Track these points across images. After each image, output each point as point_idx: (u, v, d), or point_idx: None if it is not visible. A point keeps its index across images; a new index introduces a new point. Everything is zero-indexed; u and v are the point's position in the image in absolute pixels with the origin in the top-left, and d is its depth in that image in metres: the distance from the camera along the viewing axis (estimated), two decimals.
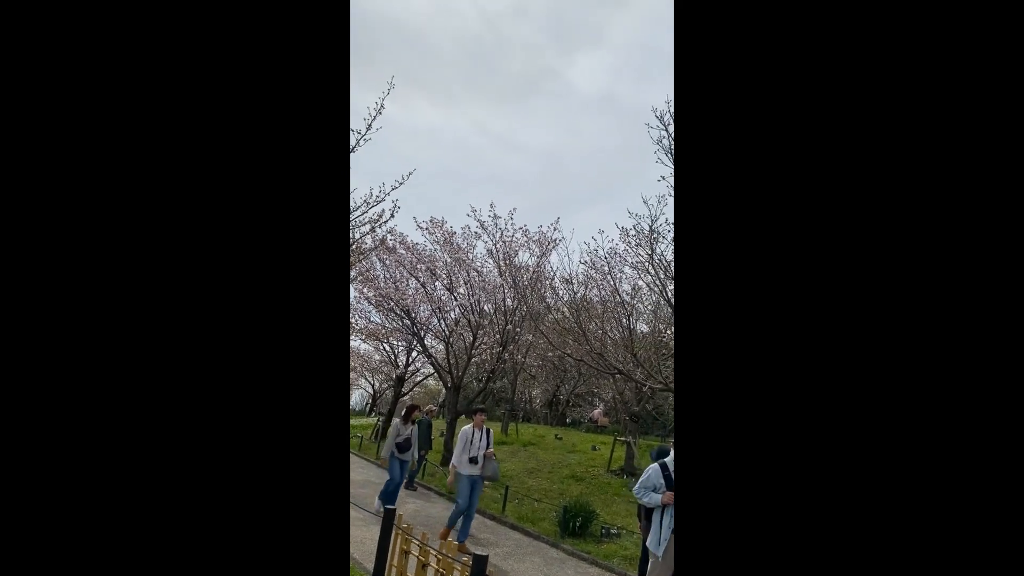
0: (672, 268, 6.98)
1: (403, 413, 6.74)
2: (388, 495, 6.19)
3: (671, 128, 5.70)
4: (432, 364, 12.13)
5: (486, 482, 5.66)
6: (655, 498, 3.53)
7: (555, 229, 11.22)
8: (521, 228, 11.20)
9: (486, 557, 2.58)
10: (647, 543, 3.60)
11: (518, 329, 10.56)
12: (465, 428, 5.49)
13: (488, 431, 5.56)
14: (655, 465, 3.62)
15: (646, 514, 4.08)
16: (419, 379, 17.40)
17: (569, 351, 8.32)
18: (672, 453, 3.69)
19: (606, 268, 7.39)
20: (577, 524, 6.26)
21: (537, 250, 11.27)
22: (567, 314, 8.69)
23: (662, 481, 3.55)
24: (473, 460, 5.34)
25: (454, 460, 5.37)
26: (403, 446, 6.45)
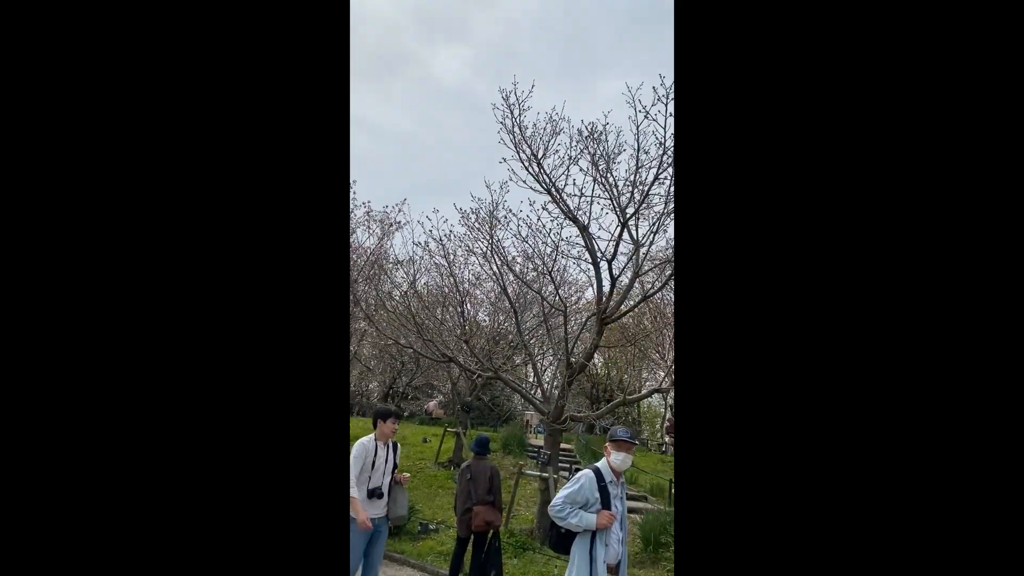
0: (508, 257, 6.96)
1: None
2: None
3: (515, 111, 5.61)
4: None
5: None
6: (588, 519, 2.34)
7: (400, 211, 10.61)
8: (363, 204, 10.35)
9: None
10: None
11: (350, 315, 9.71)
12: (363, 440, 3.26)
13: (396, 446, 3.46)
14: (588, 472, 2.48)
15: (558, 540, 2.50)
16: None
17: (402, 341, 7.83)
18: (609, 457, 2.55)
19: (443, 252, 7.07)
20: None
21: (378, 231, 10.54)
22: (400, 299, 8.18)
23: (597, 495, 2.40)
24: (375, 493, 3.20)
25: (355, 491, 3.10)
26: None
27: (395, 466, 3.41)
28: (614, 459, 2.53)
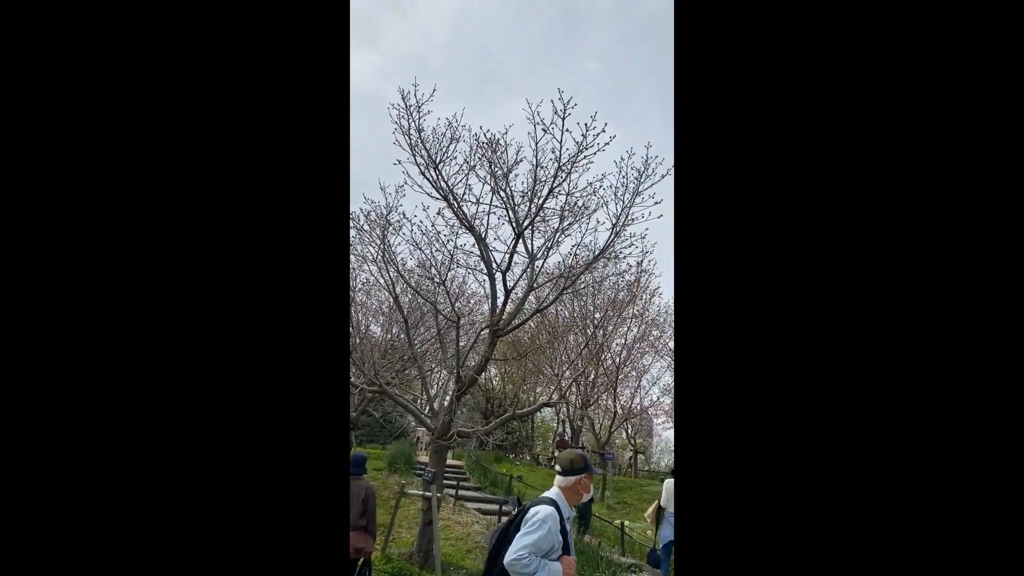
0: (403, 265, 6.63)
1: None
2: None
3: (413, 112, 5.39)
4: None
5: None
6: (556, 570, 1.86)
7: None
8: None
9: None
10: None
11: None
12: None
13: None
14: (550, 511, 1.93)
15: None
16: None
17: None
18: (587, 493, 2.08)
19: None
20: None
21: None
22: None
23: (561, 538, 1.92)
24: None
25: None
26: None
27: None
28: (590, 495, 2.14)
